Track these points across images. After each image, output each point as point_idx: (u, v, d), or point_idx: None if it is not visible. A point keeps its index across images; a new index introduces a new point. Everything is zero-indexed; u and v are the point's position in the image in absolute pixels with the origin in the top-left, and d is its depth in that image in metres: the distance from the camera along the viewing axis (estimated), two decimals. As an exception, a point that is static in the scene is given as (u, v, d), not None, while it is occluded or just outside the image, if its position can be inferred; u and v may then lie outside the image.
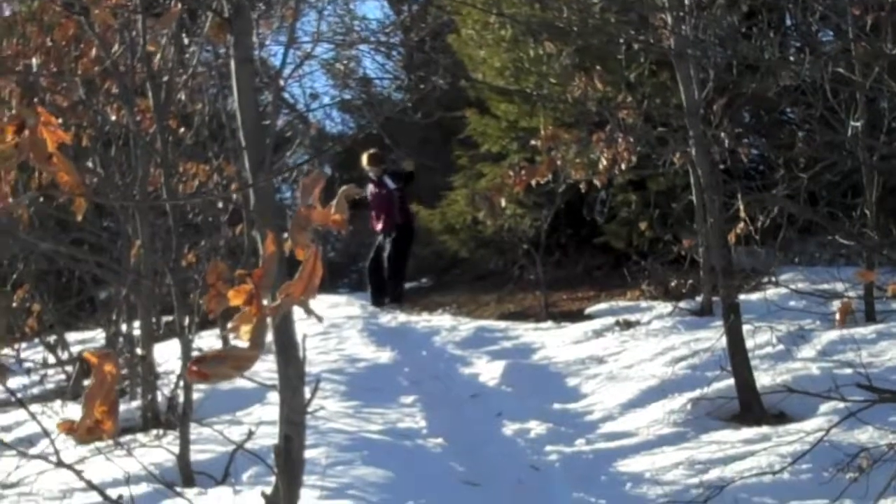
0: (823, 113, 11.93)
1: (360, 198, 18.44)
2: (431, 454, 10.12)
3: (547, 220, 17.74)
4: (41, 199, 10.14)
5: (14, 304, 12.12)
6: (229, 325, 3.15)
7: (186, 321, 10.21)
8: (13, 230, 11.23)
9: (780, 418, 10.90)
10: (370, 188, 19.39)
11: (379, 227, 19.57)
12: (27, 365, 12.91)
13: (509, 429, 11.08)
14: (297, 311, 5.39)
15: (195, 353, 9.95)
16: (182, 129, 11.10)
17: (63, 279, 15.20)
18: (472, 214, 18.24)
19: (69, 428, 2.78)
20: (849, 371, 9.95)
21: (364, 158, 19.55)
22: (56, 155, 2.66)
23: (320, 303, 16.86)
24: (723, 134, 12.95)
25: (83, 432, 2.70)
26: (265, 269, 3.10)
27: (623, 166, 13.53)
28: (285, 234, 3.50)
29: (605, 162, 13.52)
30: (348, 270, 24.55)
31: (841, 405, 9.21)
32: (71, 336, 13.79)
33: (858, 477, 8.42)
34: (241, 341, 3.04)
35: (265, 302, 3.07)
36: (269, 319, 3.05)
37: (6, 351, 12.51)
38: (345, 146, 23.70)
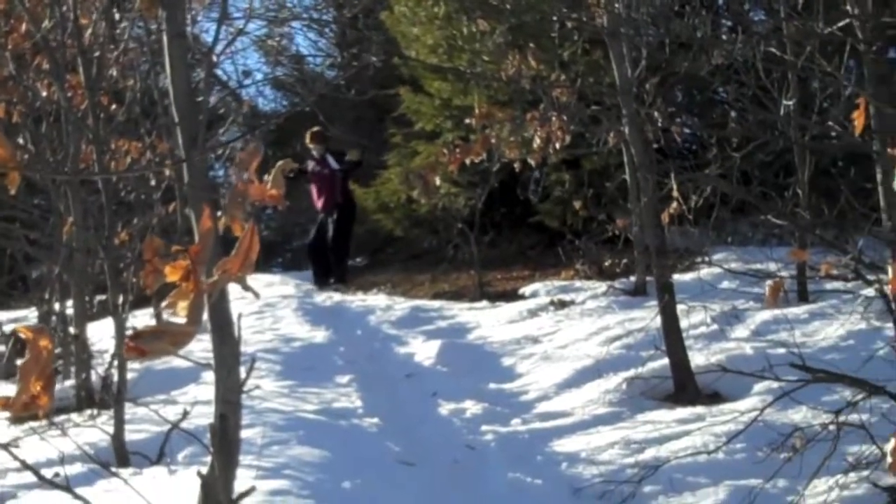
0: (756, 92, 11.96)
1: (295, 172, 17.91)
2: (367, 434, 10.11)
3: (481, 199, 17.73)
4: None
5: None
6: (166, 302, 3.12)
7: (120, 300, 10.13)
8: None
9: (715, 398, 10.96)
10: (311, 165, 19.42)
11: (320, 205, 19.54)
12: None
13: (445, 408, 11.09)
14: (233, 290, 5.37)
15: (129, 332, 9.89)
16: (114, 106, 11.00)
17: (-6, 257, 15.13)
18: (406, 193, 18.19)
19: (4, 404, 2.75)
20: (782, 351, 10.00)
21: (307, 136, 19.54)
22: (-10, 130, 2.63)
23: (255, 282, 16.80)
24: (656, 113, 12.99)
25: (19, 407, 2.67)
26: (202, 245, 3.07)
27: (557, 145, 13.55)
28: (219, 212, 3.47)
29: (538, 141, 13.54)
30: (282, 249, 24.53)
31: (775, 385, 9.26)
32: (3, 315, 13.70)
33: (792, 456, 8.46)
34: (178, 317, 3.01)
35: (202, 278, 3.05)
36: (205, 296, 3.03)
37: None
38: (278, 124, 23.62)
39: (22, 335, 2.75)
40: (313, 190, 19.68)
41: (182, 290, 2.99)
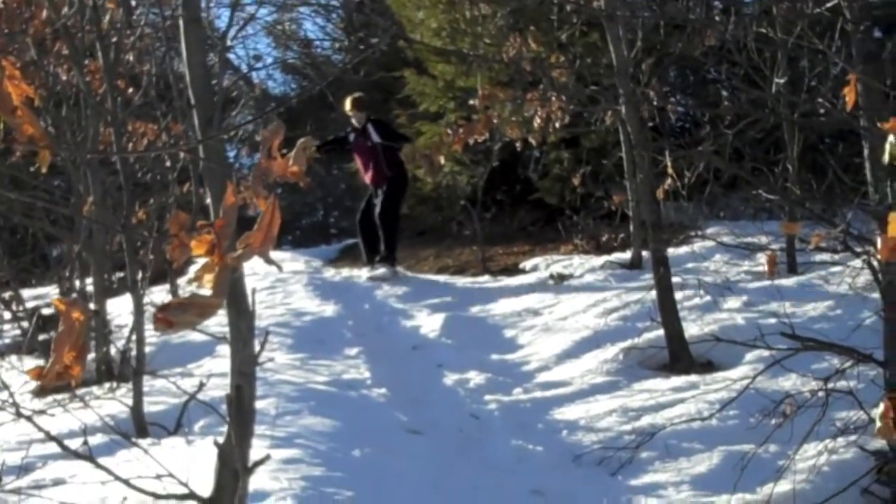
0: (747, 71, 12.00)
1: (323, 145, 17.00)
2: (375, 404, 10.14)
3: (483, 178, 17.72)
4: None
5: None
6: (192, 275, 3.17)
7: (138, 276, 10.21)
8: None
9: (708, 367, 10.99)
10: (352, 135, 16.97)
11: (368, 179, 17.16)
12: (-17, 321, 12.88)
13: (449, 379, 11.12)
14: (246, 267, 5.44)
15: (147, 307, 9.96)
16: (131, 90, 11.05)
17: (17, 236, 15.13)
18: (411, 172, 18.24)
19: (38, 374, 2.80)
20: (773, 321, 10.02)
21: (347, 102, 16.83)
22: (21, 108, 2.67)
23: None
24: (651, 92, 13.02)
25: (52, 377, 2.72)
26: (226, 220, 3.11)
27: (556, 124, 13.61)
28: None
29: (538, 120, 13.59)
30: (292, 227, 24.46)
31: (766, 353, 9.29)
32: (26, 292, 13.72)
33: (783, 422, 8.50)
34: (204, 290, 3.05)
35: (226, 252, 3.09)
36: (229, 269, 3.08)
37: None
38: (287, 107, 23.57)
39: (57, 307, 2.80)
40: (358, 162, 17.49)
41: (208, 263, 3.03)
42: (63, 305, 2.76)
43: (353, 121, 16.69)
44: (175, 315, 3.02)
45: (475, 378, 11.14)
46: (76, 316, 2.76)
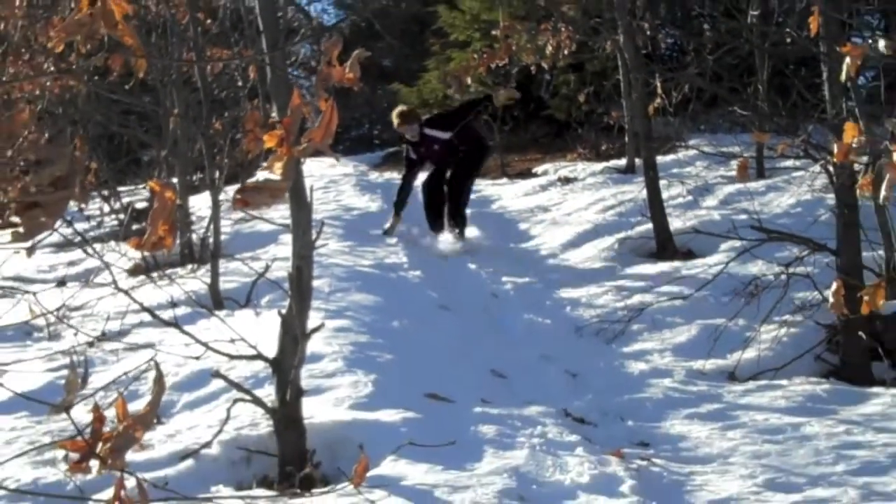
0: (726, 6, 11.92)
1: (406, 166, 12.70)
2: (411, 284, 10.18)
3: (503, 96, 17.72)
4: (97, 77, 10.10)
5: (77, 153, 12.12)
6: (265, 165, 3.20)
7: (215, 176, 10.28)
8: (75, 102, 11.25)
9: (689, 255, 11.01)
10: (412, 152, 12.49)
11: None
12: (87, 213, 12.93)
13: (473, 264, 11.16)
14: (305, 170, 5.47)
15: (222, 202, 10.02)
16: (209, 20, 11.02)
17: (114, 143, 15.16)
18: (443, 91, 18.10)
19: (137, 244, 2.83)
20: (744, 217, 10.03)
21: (395, 120, 12.37)
22: (122, 23, 2.68)
23: (321, 163, 16.89)
24: (645, 25, 12.92)
25: (149, 246, 2.75)
26: (292, 118, 3.13)
27: (565, 51, 13.51)
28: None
29: (550, 48, 13.49)
30: (343, 138, 24.34)
31: (737, 243, 9.31)
32: (122, 190, 13.77)
33: (750, 301, 8.55)
34: (275, 175, 3.08)
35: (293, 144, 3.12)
36: (296, 158, 3.10)
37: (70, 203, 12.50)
38: (340, 37, 23.38)
39: (151, 188, 2.83)
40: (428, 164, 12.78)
41: (278, 154, 3.05)
42: (157, 186, 2.79)
43: (407, 136, 12.28)
44: (251, 196, 3.05)
45: (495, 263, 11.18)
46: (168, 196, 2.79)
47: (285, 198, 4.46)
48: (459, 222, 12.22)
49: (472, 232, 12.45)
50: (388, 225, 12.45)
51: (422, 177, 12.71)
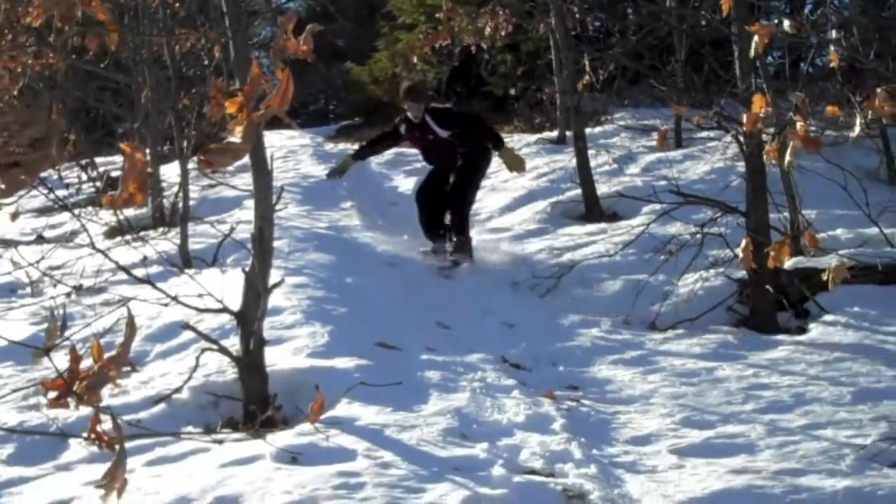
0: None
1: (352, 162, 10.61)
2: (364, 244, 10.16)
3: (446, 74, 17.65)
4: (74, 56, 9.97)
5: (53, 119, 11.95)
6: (227, 129, 3.18)
7: (184, 146, 10.21)
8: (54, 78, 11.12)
9: (614, 217, 11.05)
10: (404, 127, 10.24)
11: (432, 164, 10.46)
12: (66, 181, 12.80)
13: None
14: (267, 141, 5.44)
15: (191, 169, 9.96)
16: (177, 4, 10.87)
17: (91, 116, 15.02)
18: (392, 69, 18.03)
19: (110, 201, 2.81)
20: (663, 182, 10.06)
21: (403, 91, 10.25)
22: (95, 0, 2.65)
23: (280, 135, 16.80)
24: (575, 8, 12.92)
25: (121, 202, 2.73)
26: (251, 87, 3.12)
27: (502, 33, 13.50)
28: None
29: (489, 29, 13.48)
30: (299, 113, 24.17)
31: (657, 207, 9.34)
32: (98, 159, 13.64)
33: (669, 258, 8.59)
34: (236, 138, 3.06)
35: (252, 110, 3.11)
36: (255, 123, 3.09)
37: (50, 172, 12.38)
38: (297, 13, 23.09)
39: (122, 150, 2.80)
40: (421, 156, 10.72)
41: (239, 119, 3.03)
42: (128, 148, 2.76)
43: (409, 114, 10.05)
44: (214, 157, 3.03)
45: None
46: (138, 157, 2.77)
47: (246, 161, 4.46)
48: (464, 244, 9.77)
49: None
50: (335, 165, 10.66)
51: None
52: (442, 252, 9.85)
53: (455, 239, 9.78)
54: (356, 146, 11.04)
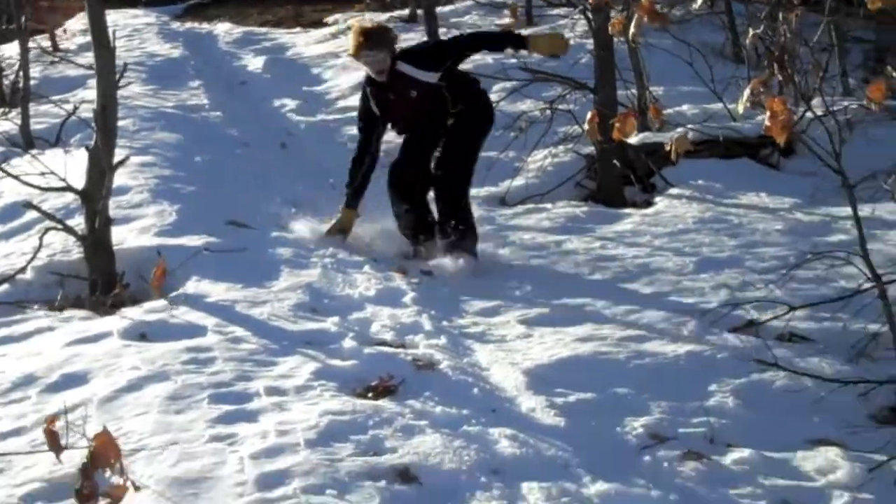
0: None
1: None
2: (212, 123, 10.03)
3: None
4: None
5: None
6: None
7: (23, 22, 9.93)
8: None
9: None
10: (370, 102, 6.67)
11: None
12: None
13: (270, 105, 11.05)
14: (109, 20, 5.31)
15: (32, 48, 9.68)
16: None
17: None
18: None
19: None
20: (514, 60, 10.08)
21: (353, 42, 6.59)
22: None
23: (124, 14, 16.35)
24: None
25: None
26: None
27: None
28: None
29: None
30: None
31: (508, 84, 9.39)
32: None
33: (519, 135, 8.69)
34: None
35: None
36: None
37: None
38: None
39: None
40: (400, 127, 6.83)
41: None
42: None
43: (370, 71, 6.58)
44: (45, 16, 2.95)
45: (290, 104, 11.10)
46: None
47: (89, 39, 4.33)
48: (461, 229, 6.45)
49: (266, 75, 12.31)
50: (333, 222, 6.70)
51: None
52: (421, 257, 6.56)
53: (450, 231, 6.44)
54: (345, 190, 6.81)
